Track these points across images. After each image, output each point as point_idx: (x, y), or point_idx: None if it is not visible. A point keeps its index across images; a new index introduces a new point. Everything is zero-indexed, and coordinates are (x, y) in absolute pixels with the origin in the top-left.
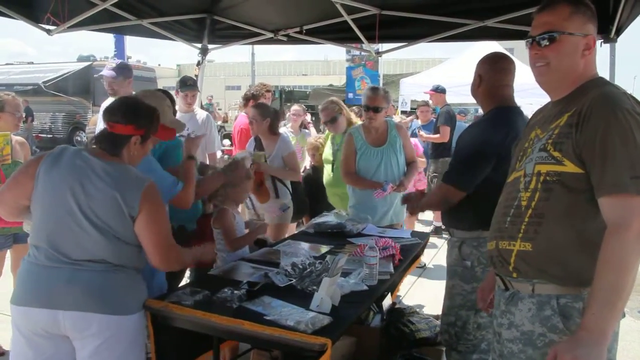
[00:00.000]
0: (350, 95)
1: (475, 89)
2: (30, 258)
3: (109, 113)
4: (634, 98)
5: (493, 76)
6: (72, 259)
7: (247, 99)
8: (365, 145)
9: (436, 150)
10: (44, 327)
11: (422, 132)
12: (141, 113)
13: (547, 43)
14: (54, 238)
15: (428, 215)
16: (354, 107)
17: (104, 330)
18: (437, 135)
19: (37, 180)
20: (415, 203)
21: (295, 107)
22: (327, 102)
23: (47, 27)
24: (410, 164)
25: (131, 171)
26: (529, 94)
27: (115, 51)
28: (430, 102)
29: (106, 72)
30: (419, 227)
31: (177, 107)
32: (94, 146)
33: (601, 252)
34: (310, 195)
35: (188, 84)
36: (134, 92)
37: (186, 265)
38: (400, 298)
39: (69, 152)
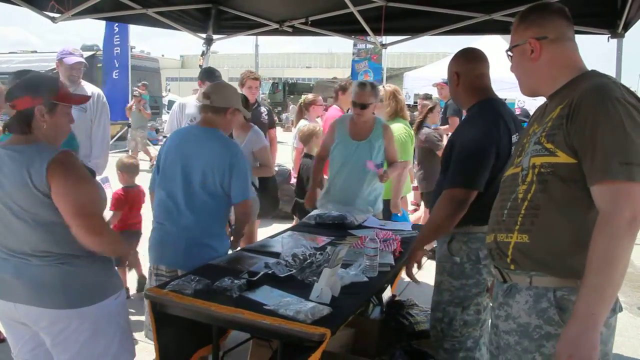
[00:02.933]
0: None
1: (455, 87)
2: None
3: (6, 95)
4: (625, 87)
5: (469, 68)
6: (16, 252)
7: (337, 91)
8: (344, 136)
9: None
10: (8, 315)
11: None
12: (33, 82)
13: (510, 60)
14: None
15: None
16: None
17: (54, 323)
18: (447, 127)
19: None
20: (417, 251)
21: (319, 97)
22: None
23: (52, 14)
24: (392, 163)
25: (39, 147)
26: None
27: (116, 39)
28: (438, 96)
29: (77, 58)
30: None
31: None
32: (10, 134)
33: (592, 239)
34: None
35: (216, 75)
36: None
37: (120, 247)
38: (400, 291)
39: None
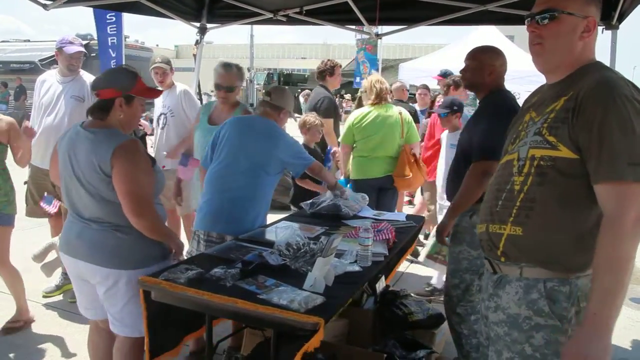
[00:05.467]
0: (357, 79)
1: (486, 76)
2: None
3: (93, 84)
4: (632, 84)
5: (504, 67)
6: (83, 217)
7: (449, 85)
8: (204, 122)
9: None
10: (73, 270)
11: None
12: (118, 75)
13: (546, 22)
14: (68, 199)
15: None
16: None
17: (105, 280)
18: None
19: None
20: (450, 219)
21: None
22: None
23: (43, 1)
24: None
25: (111, 133)
26: (527, 81)
27: (112, 28)
28: (439, 87)
29: (77, 48)
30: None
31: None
32: (89, 117)
33: (598, 242)
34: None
35: (155, 62)
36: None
37: (160, 233)
38: (394, 281)
39: (72, 128)
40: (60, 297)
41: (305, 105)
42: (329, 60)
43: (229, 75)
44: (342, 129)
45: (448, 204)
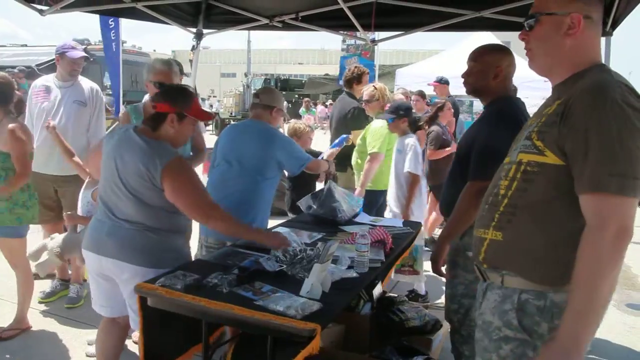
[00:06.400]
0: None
1: (490, 80)
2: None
3: (154, 97)
4: (628, 87)
5: (511, 68)
6: (114, 216)
7: None
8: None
9: None
10: (95, 269)
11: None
12: (177, 93)
13: (532, 25)
14: (104, 197)
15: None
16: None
17: (134, 277)
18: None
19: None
20: (444, 245)
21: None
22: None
23: (39, 7)
24: (198, 153)
25: (161, 147)
26: (526, 87)
27: (113, 34)
28: (434, 93)
29: (81, 53)
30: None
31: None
32: (143, 124)
33: (578, 256)
34: (295, 185)
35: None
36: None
37: (236, 230)
38: (391, 287)
39: (122, 129)
40: (56, 303)
41: (328, 113)
42: (355, 67)
43: (171, 73)
44: (371, 136)
45: (398, 210)
